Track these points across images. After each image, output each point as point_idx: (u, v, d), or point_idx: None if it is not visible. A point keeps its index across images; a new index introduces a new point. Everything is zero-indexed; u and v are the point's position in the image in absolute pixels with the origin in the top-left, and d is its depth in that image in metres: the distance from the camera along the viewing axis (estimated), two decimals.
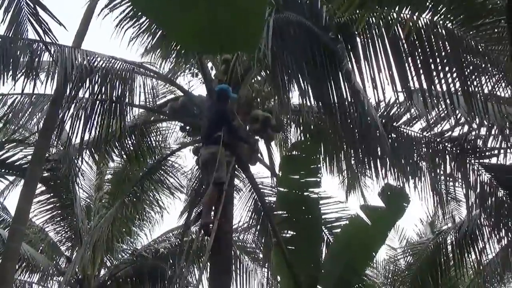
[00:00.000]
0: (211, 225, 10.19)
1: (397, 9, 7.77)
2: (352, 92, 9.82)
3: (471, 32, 9.54)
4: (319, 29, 9.67)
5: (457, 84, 9.73)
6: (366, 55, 9.87)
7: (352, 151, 12.68)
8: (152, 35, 12.18)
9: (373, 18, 9.28)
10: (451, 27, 9.46)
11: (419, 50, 9.61)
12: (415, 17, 7.85)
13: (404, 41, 9.53)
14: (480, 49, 9.71)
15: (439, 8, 7.18)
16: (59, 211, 17.37)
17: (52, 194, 16.68)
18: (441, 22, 9.35)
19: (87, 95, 11.90)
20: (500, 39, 9.46)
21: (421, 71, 9.66)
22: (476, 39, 9.57)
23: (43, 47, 10.86)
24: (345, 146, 12.83)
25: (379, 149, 11.91)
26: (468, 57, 9.81)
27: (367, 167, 12.54)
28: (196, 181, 15.21)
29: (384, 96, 10.57)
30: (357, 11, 8.52)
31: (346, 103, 10.07)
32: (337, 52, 9.69)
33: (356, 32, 9.71)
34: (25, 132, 15.35)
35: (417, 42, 9.56)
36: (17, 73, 10.72)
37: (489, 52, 9.82)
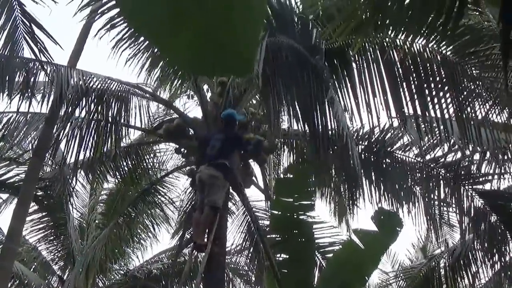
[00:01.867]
0: (203, 247, 10.25)
1: (392, 34, 7.83)
2: (335, 120, 9.82)
3: (465, 59, 9.61)
4: (310, 54, 9.70)
5: (451, 110, 9.78)
6: (360, 79, 9.93)
7: (343, 176, 12.69)
8: (149, 56, 12.19)
9: (368, 43, 9.33)
10: (445, 53, 9.54)
11: (414, 75, 9.67)
12: (408, 43, 7.90)
13: (398, 66, 9.59)
14: (475, 75, 9.78)
15: (433, 35, 7.23)
16: (52, 230, 17.32)
17: (45, 213, 16.62)
18: (435, 47, 9.42)
19: (82, 115, 11.89)
20: (494, 66, 9.52)
21: (415, 96, 9.72)
22: (471, 65, 9.64)
23: (39, 66, 10.87)
24: (334, 172, 12.84)
25: (373, 175, 11.97)
26: (463, 83, 9.87)
27: (359, 192, 12.56)
28: (189, 203, 15.18)
29: (379, 121, 10.63)
30: (352, 36, 8.55)
31: (328, 128, 10.07)
32: (325, 78, 9.73)
33: (351, 57, 9.77)
34: (19, 151, 15.33)
35: (411, 67, 9.62)
36: (13, 91, 10.74)
37: (483, 78, 9.88)
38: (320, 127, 9.96)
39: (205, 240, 10.39)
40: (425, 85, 9.69)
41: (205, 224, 10.48)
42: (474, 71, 9.78)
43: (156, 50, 11.25)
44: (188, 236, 11.56)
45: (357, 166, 10.04)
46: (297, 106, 9.98)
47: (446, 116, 9.83)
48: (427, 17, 5.44)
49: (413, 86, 9.69)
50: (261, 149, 11.94)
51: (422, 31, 6.64)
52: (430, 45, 9.27)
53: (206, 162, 10.88)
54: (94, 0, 10.48)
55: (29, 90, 10.86)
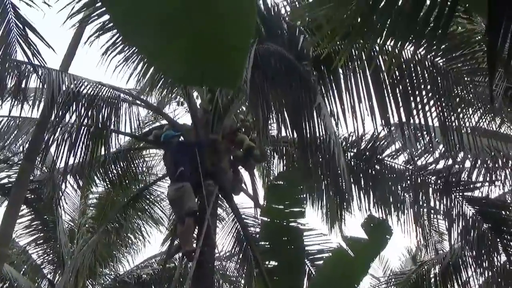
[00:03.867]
0: (193, 253, 10.29)
1: (380, 41, 7.82)
2: (321, 124, 9.84)
3: (455, 65, 9.62)
4: (298, 61, 9.71)
5: (442, 118, 9.80)
6: (348, 86, 9.95)
7: (333, 183, 12.68)
8: (139, 62, 12.17)
9: (356, 50, 9.33)
10: (434, 59, 9.56)
11: (402, 82, 9.67)
12: (397, 49, 7.89)
13: (386, 73, 9.58)
14: (466, 82, 9.80)
15: (422, 41, 7.24)
16: (42, 234, 17.28)
17: (35, 216, 16.58)
18: (424, 54, 9.43)
19: (73, 120, 11.86)
20: (482, 69, 9.54)
21: (404, 104, 9.73)
22: (460, 71, 9.65)
23: (31, 69, 10.86)
24: (312, 178, 12.81)
25: (362, 181, 11.99)
26: (453, 90, 9.89)
27: (350, 199, 12.58)
28: None
29: (364, 128, 10.64)
30: (340, 43, 8.55)
31: (316, 135, 10.10)
32: (313, 85, 9.75)
33: (338, 64, 9.77)
34: (9, 153, 15.31)
35: (400, 75, 9.63)
36: (4, 94, 10.75)
37: (474, 85, 9.90)
38: (308, 134, 9.99)
39: (194, 246, 10.45)
40: (414, 92, 9.70)
41: (188, 231, 10.65)
42: (464, 78, 9.79)
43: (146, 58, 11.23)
44: (178, 242, 11.54)
45: (344, 173, 10.04)
46: (285, 113, 10.02)
47: (436, 123, 9.86)
48: (415, 24, 5.46)
49: (401, 93, 9.70)
50: (251, 156, 11.96)
51: (410, 38, 6.65)
52: (419, 52, 9.27)
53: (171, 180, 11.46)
54: (86, 6, 10.45)
55: (21, 94, 10.85)
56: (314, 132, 9.93)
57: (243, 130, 12.59)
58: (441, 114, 9.77)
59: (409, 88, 9.73)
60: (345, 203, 12.68)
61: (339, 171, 10.07)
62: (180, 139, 11.73)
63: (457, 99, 10.02)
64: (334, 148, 9.54)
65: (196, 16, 2.27)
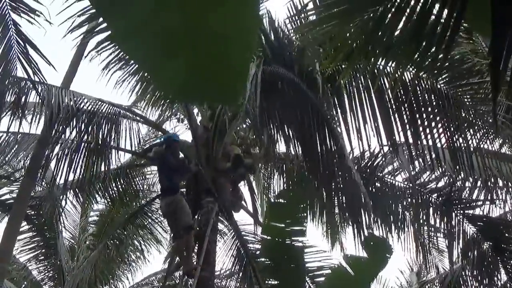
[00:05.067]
0: (193, 271, 10.26)
1: (382, 62, 7.83)
2: (335, 146, 9.83)
3: (457, 89, 9.63)
4: (305, 83, 9.72)
5: (443, 138, 9.80)
6: (351, 106, 9.95)
7: (335, 200, 12.63)
8: (139, 79, 12.16)
9: (359, 71, 9.35)
10: (436, 82, 9.56)
11: (405, 103, 9.68)
12: (399, 71, 7.89)
13: (389, 94, 9.60)
14: (467, 104, 9.80)
15: (424, 65, 7.21)
16: (43, 250, 17.20)
17: (36, 233, 16.54)
18: (426, 77, 9.44)
19: (73, 136, 11.86)
20: (485, 99, 9.56)
21: (406, 124, 9.73)
22: (462, 95, 9.66)
23: (31, 85, 10.86)
24: (326, 196, 12.78)
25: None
26: (454, 112, 9.88)
27: (350, 217, 12.56)
28: None
29: (369, 146, 10.63)
30: (343, 63, 8.55)
31: (329, 156, 10.09)
32: (322, 105, 9.75)
33: (342, 84, 9.79)
34: (9, 169, 15.31)
35: (403, 95, 9.64)
36: (4, 110, 10.76)
37: (475, 106, 9.90)
38: (320, 153, 9.99)
39: (194, 263, 10.41)
40: (416, 113, 9.71)
41: (187, 248, 10.57)
42: (466, 100, 9.79)
43: (146, 74, 11.24)
44: (178, 259, 11.49)
45: (366, 197, 10.00)
46: (293, 134, 10.03)
47: (438, 144, 9.86)
48: (418, 47, 5.45)
49: (404, 114, 9.71)
50: (240, 165, 11.87)
51: (412, 61, 6.64)
52: (420, 75, 9.28)
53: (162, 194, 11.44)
54: (87, 22, 10.45)
55: (20, 110, 10.84)
56: (324, 149, 9.93)
57: (243, 147, 12.55)
58: (447, 135, 9.76)
59: (410, 108, 9.74)
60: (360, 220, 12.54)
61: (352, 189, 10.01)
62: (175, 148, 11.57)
63: (459, 120, 10.01)
64: (351, 168, 9.55)
65: (196, 33, 2.25)
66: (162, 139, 11.69)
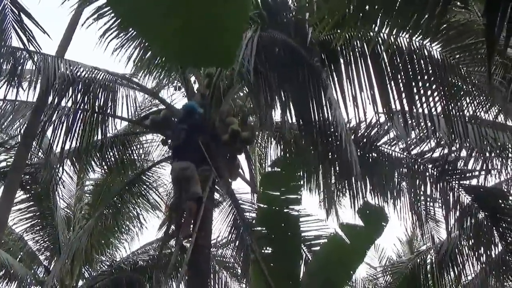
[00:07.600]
0: (189, 236, 10.28)
1: (376, 28, 7.79)
2: (331, 113, 9.79)
3: (453, 54, 9.58)
4: (303, 48, 9.66)
5: (439, 107, 9.77)
6: (348, 73, 9.91)
7: (332, 169, 12.62)
8: (136, 46, 12.10)
9: (354, 37, 9.29)
10: (431, 48, 9.51)
11: (400, 70, 9.64)
12: (393, 37, 7.85)
13: (385, 61, 9.56)
14: (462, 71, 9.76)
15: (417, 29, 7.18)
16: (39, 220, 17.28)
17: (32, 203, 16.58)
18: (421, 43, 9.40)
19: (69, 104, 11.82)
20: (482, 60, 9.50)
21: (402, 92, 9.71)
22: (458, 62, 9.62)
23: (27, 55, 10.81)
24: (322, 165, 12.77)
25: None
26: (451, 79, 9.86)
27: (346, 186, 12.57)
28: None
29: (365, 114, 10.60)
30: (338, 30, 8.51)
31: (326, 123, 10.05)
32: (320, 71, 9.70)
33: (339, 50, 9.74)
34: (5, 136, 15.29)
35: (399, 64, 9.59)
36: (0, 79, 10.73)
37: (471, 75, 9.86)
38: (316, 120, 9.95)
39: (191, 231, 10.41)
40: (412, 81, 9.67)
41: (189, 217, 10.54)
42: (462, 67, 9.76)
43: (143, 40, 11.17)
44: (174, 228, 11.49)
45: (356, 164, 9.97)
46: (290, 100, 9.98)
47: (434, 112, 9.83)
48: (412, 12, 5.43)
49: (400, 81, 9.67)
50: (237, 140, 11.83)
51: (406, 26, 6.61)
52: (414, 38, 9.24)
53: (175, 156, 11.14)
54: None
55: (16, 79, 10.80)
56: (321, 116, 9.90)
57: (240, 115, 12.51)
58: (443, 103, 9.73)
59: (406, 76, 9.70)
60: (348, 186, 12.55)
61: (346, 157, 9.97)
62: (197, 117, 11.46)
63: (455, 88, 9.98)
64: (344, 137, 9.51)
65: None
66: (184, 108, 11.54)
